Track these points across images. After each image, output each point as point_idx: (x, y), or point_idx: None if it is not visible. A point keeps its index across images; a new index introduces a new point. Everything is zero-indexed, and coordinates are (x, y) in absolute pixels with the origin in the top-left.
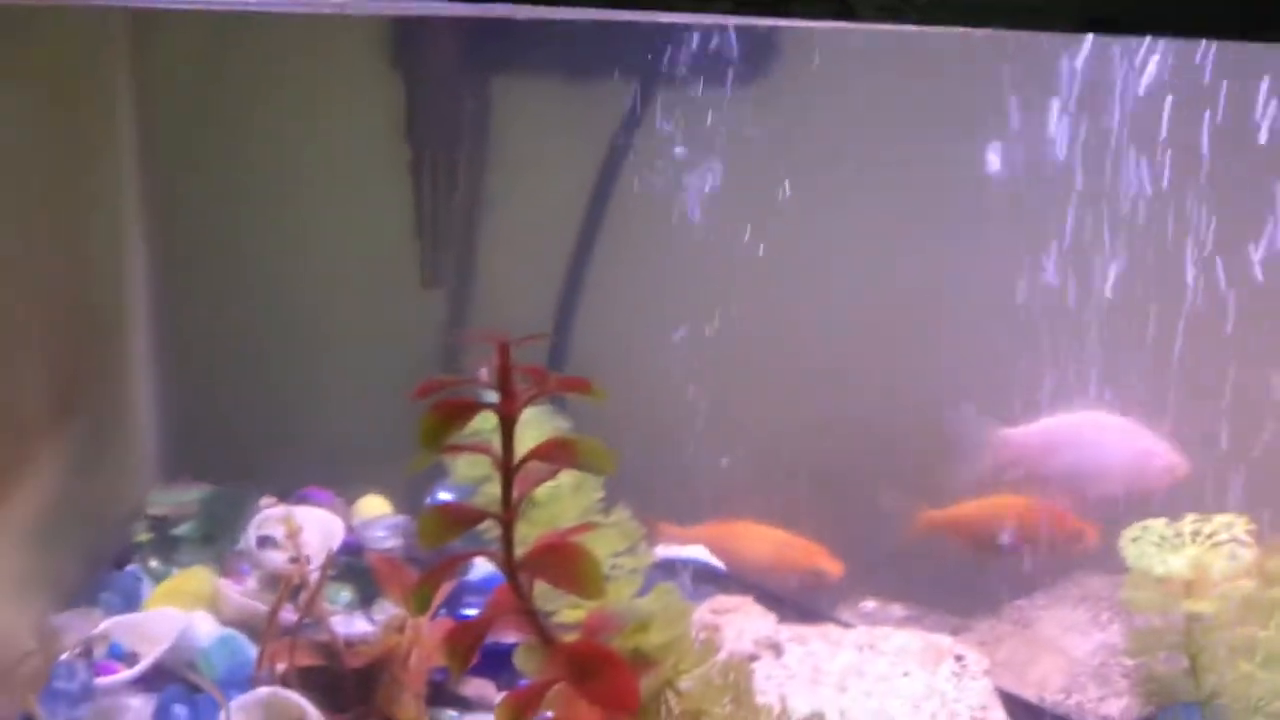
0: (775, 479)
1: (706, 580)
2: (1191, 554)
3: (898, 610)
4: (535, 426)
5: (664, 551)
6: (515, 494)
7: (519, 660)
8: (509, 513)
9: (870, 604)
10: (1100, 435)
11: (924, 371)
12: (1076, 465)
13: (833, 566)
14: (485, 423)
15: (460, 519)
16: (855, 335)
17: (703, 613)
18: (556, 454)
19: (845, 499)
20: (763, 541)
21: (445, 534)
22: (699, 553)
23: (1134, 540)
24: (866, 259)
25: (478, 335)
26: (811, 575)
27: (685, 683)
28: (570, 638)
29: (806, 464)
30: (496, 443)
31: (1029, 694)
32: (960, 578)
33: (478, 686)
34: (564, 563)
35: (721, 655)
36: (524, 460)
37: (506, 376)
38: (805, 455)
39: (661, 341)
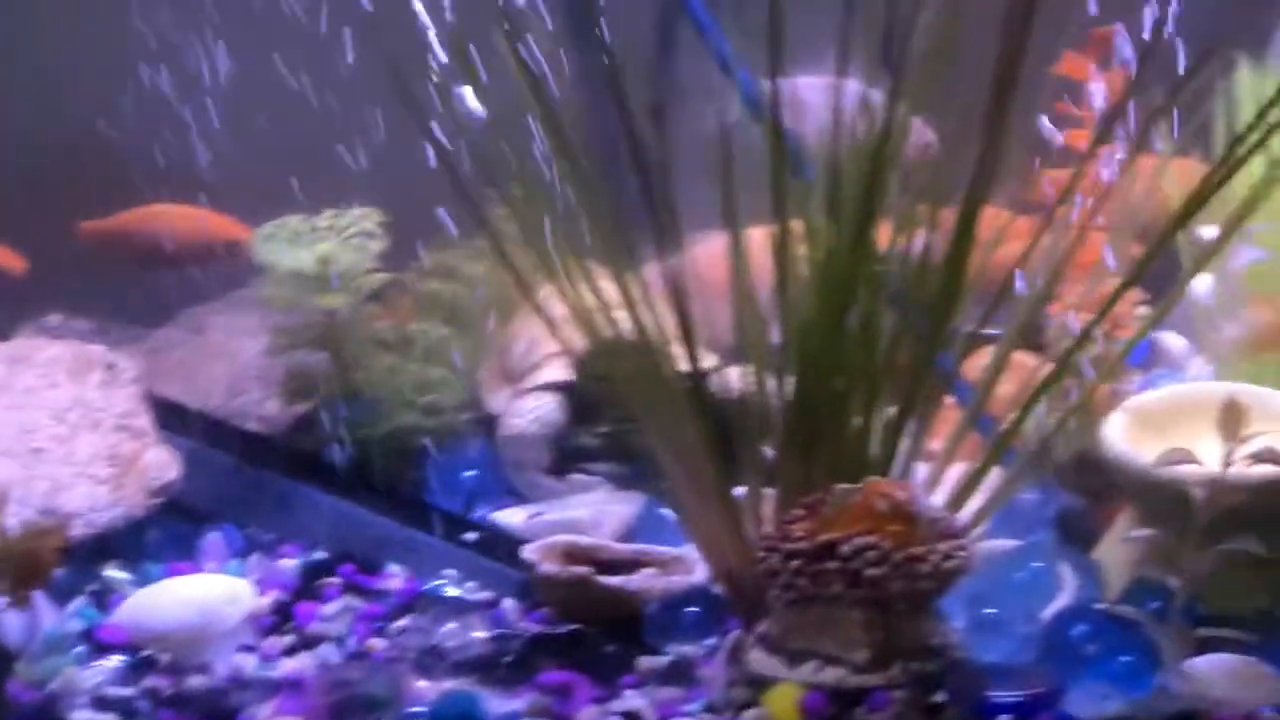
0: None
1: None
2: (322, 249)
3: (82, 324)
4: None
5: None
6: None
7: None
8: None
9: (56, 319)
10: None
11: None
12: None
13: (14, 262)
14: None
15: None
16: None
17: None
18: None
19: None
20: None
21: None
22: None
23: (267, 237)
24: None
25: None
26: None
27: None
28: None
29: None
30: None
31: (193, 399)
32: (139, 287)
33: None
34: None
35: None
36: None
37: None
38: None
39: None
